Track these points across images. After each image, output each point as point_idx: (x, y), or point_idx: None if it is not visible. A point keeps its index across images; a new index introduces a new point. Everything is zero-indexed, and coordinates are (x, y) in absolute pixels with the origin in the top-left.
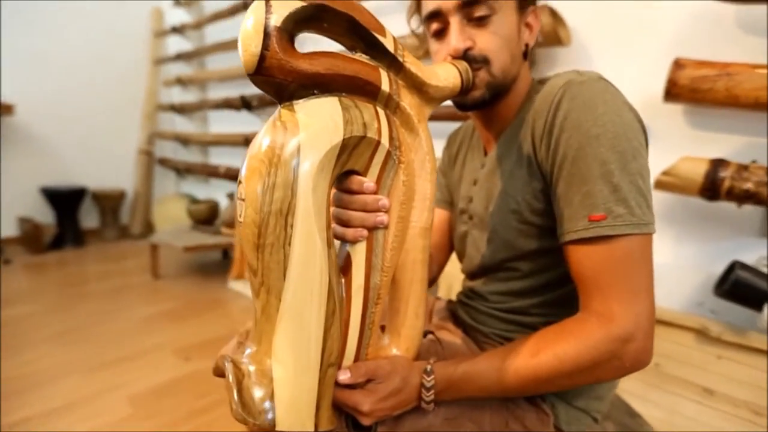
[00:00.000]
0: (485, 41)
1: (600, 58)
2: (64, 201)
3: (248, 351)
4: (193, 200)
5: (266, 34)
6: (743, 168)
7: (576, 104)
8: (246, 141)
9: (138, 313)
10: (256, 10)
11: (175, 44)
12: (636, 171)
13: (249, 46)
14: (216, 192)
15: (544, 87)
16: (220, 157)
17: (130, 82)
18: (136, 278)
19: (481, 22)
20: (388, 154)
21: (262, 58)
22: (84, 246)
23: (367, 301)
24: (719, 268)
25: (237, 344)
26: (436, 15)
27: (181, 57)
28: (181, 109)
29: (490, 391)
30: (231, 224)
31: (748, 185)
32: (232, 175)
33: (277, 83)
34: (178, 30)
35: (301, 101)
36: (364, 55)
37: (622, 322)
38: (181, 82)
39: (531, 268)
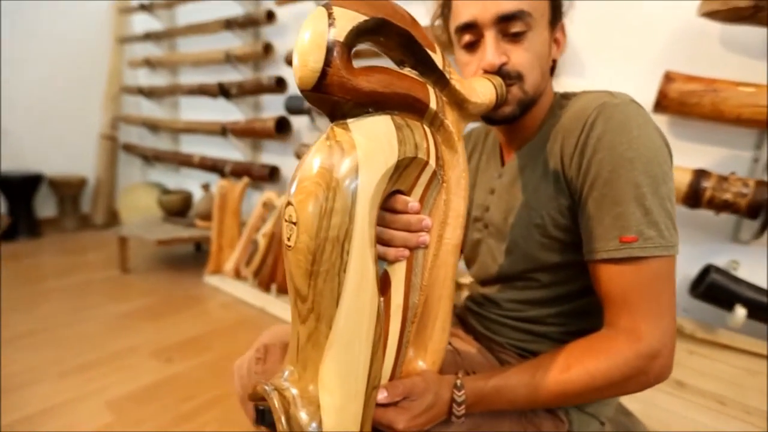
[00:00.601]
0: (519, 57)
1: (593, 68)
2: (17, 188)
3: (287, 374)
4: (165, 190)
5: (328, 49)
6: (723, 179)
7: (610, 126)
8: (224, 130)
9: (108, 312)
10: (316, 19)
11: (143, 23)
12: (665, 195)
13: (308, 61)
14: (187, 182)
15: (574, 104)
16: (192, 146)
17: (91, 61)
18: (102, 273)
19: (516, 37)
20: (434, 174)
21: (323, 74)
22: (40, 237)
23: (405, 321)
24: (694, 270)
25: (255, 360)
26: (471, 27)
27: (149, 37)
28: (149, 93)
29: (519, 405)
30: (206, 216)
31: (727, 195)
32: (207, 165)
33: (335, 101)
34: (146, 8)
35: (355, 120)
36: (413, 71)
37: (650, 340)
38: (149, 63)
39: (550, 280)
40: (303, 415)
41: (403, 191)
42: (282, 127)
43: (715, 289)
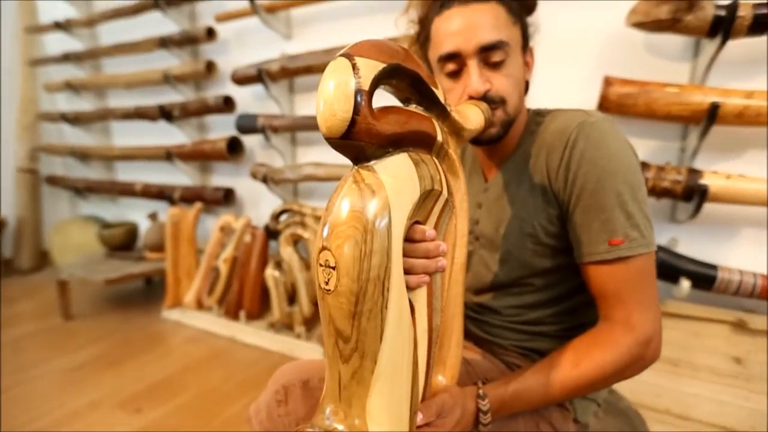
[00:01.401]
0: (501, 83)
1: (539, 75)
2: None
3: (329, 413)
4: (104, 224)
5: (356, 99)
6: (661, 169)
7: (591, 143)
8: (168, 154)
9: (58, 366)
10: (340, 70)
11: (58, 43)
12: (642, 199)
13: (337, 111)
14: (129, 212)
15: (552, 123)
16: (130, 173)
17: None
18: (41, 323)
19: (496, 65)
20: (446, 202)
21: (352, 123)
22: None
23: (431, 343)
24: None
25: (276, 403)
26: (455, 56)
27: (69, 58)
28: (73, 119)
29: (537, 404)
30: (157, 247)
31: (666, 183)
32: (152, 193)
33: (361, 146)
34: (62, 26)
35: (378, 161)
36: (418, 107)
37: (643, 328)
38: (71, 87)
39: (544, 283)
40: None
41: (420, 221)
42: (234, 148)
43: (660, 265)
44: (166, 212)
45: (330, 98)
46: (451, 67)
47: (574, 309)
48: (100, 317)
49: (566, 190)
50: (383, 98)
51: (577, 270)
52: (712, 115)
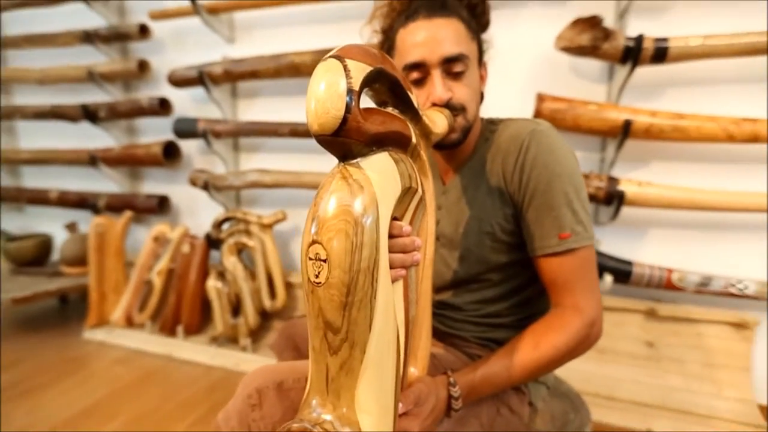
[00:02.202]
0: (461, 92)
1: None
2: None
3: (316, 406)
4: (9, 237)
5: (348, 98)
6: (586, 176)
7: (541, 149)
8: (93, 159)
9: None
10: (332, 70)
11: None
12: (584, 199)
13: (330, 109)
14: (39, 223)
15: (504, 131)
16: (41, 179)
17: None
18: None
19: (457, 76)
20: (421, 199)
21: (344, 121)
22: None
23: (408, 334)
24: None
25: (251, 407)
26: (419, 66)
27: None
28: None
29: (502, 387)
30: (76, 261)
31: (590, 189)
32: (70, 201)
33: (350, 144)
34: None
35: (363, 158)
36: (395, 110)
37: (589, 312)
38: None
39: (500, 278)
40: None
41: (397, 217)
42: (170, 153)
43: None
44: (87, 222)
45: (323, 97)
46: (415, 75)
47: (527, 300)
48: (8, 342)
49: (520, 190)
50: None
51: (529, 264)
52: (626, 130)
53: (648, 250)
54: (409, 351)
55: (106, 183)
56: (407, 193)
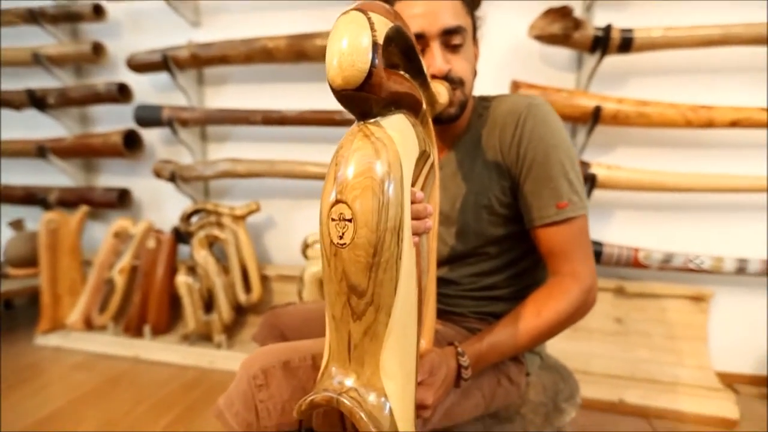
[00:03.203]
0: (460, 65)
1: None
2: None
3: (337, 375)
4: None
5: (373, 51)
6: None
7: (538, 122)
8: (41, 150)
9: None
10: (356, 23)
11: None
12: (578, 169)
13: (356, 62)
14: None
15: (499, 106)
16: None
17: None
18: None
19: (455, 49)
20: (432, 165)
21: (369, 74)
22: None
23: (420, 303)
24: None
25: (257, 388)
26: (419, 37)
27: None
28: None
29: (507, 354)
30: (23, 262)
31: None
32: (15, 197)
33: (372, 100)
34: None
35: (383, 118)
36: (406, 74)
37: (586, 278)
38: None
39: (497, 251)
40: (378, 410)
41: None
42: (131, 143)
43: None
44: (36, 219)
45: (348, 50)
46: None
47: (523, 272)
48: None
49: (518, 162)
50: None
51: (525, 236)
52: (596, 116)
53: (615, 231)
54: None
55: (57, 176)
56: (421, 157)
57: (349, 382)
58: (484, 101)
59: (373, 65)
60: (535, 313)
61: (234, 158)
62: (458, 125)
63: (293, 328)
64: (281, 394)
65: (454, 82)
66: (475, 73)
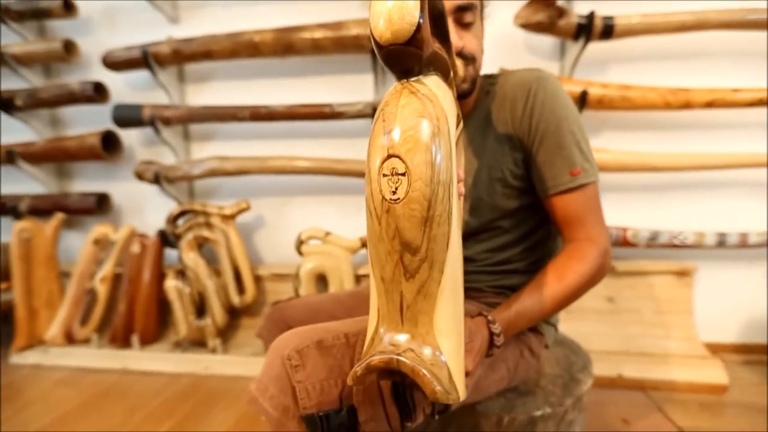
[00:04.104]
0: (471, 43)
1: None
2: None
3: (389, 338)
4: None
5: (422, 6)
6: None
7: (548, 93)
8: (10, 155)
9: None
10: None
11: None
12: (587, 138)
13: (406, 15)
14: None
15: (507, 81)
16: None
17: None
18: None
19: (467, 26)
20: (462, 131)
21: (418, 28)
22: None
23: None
24: None
25: (293, 369)
26: None
27: None
28: None
29: (535, 320)
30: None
31: None
32: None
33: (417, 57)
34: None
35: (423, 77)
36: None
37: (602, 241)
38: None
39: (511, 224)
40: (437, 369)
41: None
42: (109, 144)
43: None
44: (6, 230)
45: (396, 5)
46: None
47: (536, 244)
48: None
49: (530, 134)
50: None
51: (537, 208)
52: (582, 100)
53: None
54: None
55: (27, 183)
56: (456, 119)
57: (404, 342)
58: (490, 78)
59: (421, 19)
60: (557, 278)
61: (222, 156)
62: (467, 103)
63: (301, 321)
64: (318, 373)
65: (466, 58)
66: (482, 51)
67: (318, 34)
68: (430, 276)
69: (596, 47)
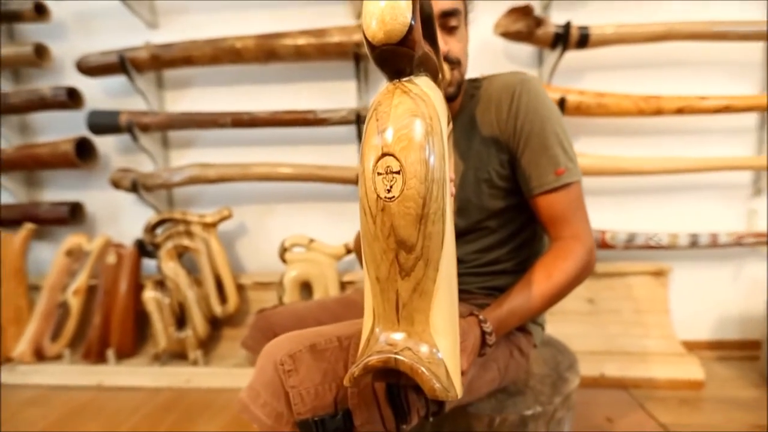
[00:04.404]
0: (456, 47)
1: None
2: None
3: (386, 338)
4: None
5: (413, 8)
6: None
7: (532, 96)
8: None
9: None
10: None
11: None
12: (569, 139)
13: (398, 16)
14: None
15: (492, 84)
16: None
17: None
18: None
19: (452, 31)
20: (451, 132)
21: (410, 29)
22: None
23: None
24: None
25: (287, 374)
26: None
27: None
28: None
29: (525, 318)
30: None
31: None
32: None
33: (410, 57)
34: None
35: (414, 77)
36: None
37: (587, 239)
38: None
39: (498, 224)
40: (434, 366)
41: None
42: (84, 152)
43: None
44: None
45: (388, 6)
46: None
47: (523, 244)
48: None
49: (515, 135)
50: None
51: (522, 209)
52: (561, 107)
53: None
54: None
55: None
56: (446, 119)
57: (401, 341)
58: (474, 82)
59: (413, 20)
60: (546, 276)
61: (203, 163)
62: (452, 106)
63: (288, 328)
64: (312, 378)
65: (452, 62)
66: (467, 55)
67: (301, 41)
68: (426, 274)
69: (573, 56)
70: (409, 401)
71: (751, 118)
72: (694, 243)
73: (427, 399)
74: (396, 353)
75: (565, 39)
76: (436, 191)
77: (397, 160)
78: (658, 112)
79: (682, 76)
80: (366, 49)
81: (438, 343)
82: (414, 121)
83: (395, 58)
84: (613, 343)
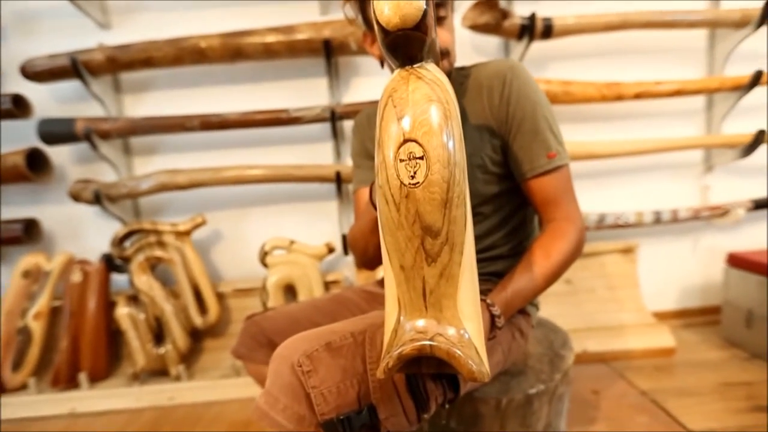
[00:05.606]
0: (445, 37)
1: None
2: None
3: (415, 325)
4: None
5: None
6: None
7: (522, 81)
8: None
9: None
10: None
11: None
12: (557, 123)
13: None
14: None
15: (481, 72)
16: None
17: None
18: None
19: (440, 20)
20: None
21: (424, 14)
22: None
23: None
24: None
25: (306, 374)
26: None
27: None
28: None
29: (529, 298)
30: None
31: None
32: None
33: (422, 42)
34: None
35: (424, 63)
36: None
37: (578, 219)
38: None
39: (492, 209)
40: (466, 349)
41: None
42: (36, 163)
43: None
44: None
45: None
46: None
47: (516, 228)
48: None
49: (507, 120)
50: None
51: (514, 194)
52: None
53: None
54: None
55: None
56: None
57: (432, 327)
58: (462, 70)
59: (427, 5)
60: (544, 256)
61: (172, 169)
62: None
63: (282, 331)
64: (332, 376)
65: (441, 52)
66: (455, 44)
67: (269, 39)
68: (452, 258)
69: (538, 46)
70: (427, 390)
71: (699, 101)
72: (657, 219)
73: (444, 387)
74: (430, 339)
75: (530, 30)
76: (458, 175)
77: (420, 145)
78: (619, 97)
79: (638, 63)
80: (378, 36)
81: (468, 327)
82: (432, 106)
83: (408, 44)
84: (591, 320)
